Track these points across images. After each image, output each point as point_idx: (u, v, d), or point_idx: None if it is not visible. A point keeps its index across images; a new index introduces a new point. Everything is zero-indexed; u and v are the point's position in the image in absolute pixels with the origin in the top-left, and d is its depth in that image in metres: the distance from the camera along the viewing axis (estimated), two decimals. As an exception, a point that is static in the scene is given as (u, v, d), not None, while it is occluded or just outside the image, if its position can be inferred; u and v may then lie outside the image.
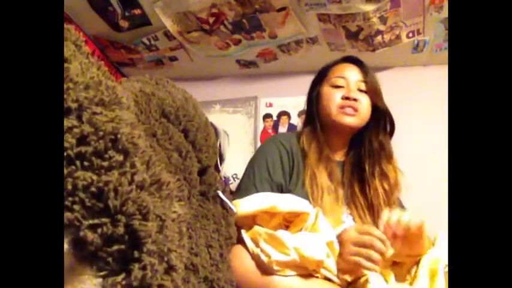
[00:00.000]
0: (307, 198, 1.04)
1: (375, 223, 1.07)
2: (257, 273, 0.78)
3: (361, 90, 1.15)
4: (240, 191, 1.06)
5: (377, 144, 1.14)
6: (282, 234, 0.79)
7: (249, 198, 0.92)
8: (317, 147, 1.12)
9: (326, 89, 1.17)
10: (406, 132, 2.07)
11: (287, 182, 1.08)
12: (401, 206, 1.22)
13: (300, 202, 0.89)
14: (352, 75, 1.16)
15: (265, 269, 0.77)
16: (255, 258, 0.79)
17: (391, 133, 1.18)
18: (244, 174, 1.12)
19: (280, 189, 1.07)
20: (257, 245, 0.79)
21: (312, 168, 1.08)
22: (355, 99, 1.11)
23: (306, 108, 1.26)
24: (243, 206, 0.88)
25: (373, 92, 1.14)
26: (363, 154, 1.15)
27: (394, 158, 1.16)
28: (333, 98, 1.14)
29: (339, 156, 1.19)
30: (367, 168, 1.13)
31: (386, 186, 1.11)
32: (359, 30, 1.80)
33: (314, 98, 1.21)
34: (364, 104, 1.13)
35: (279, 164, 1.09)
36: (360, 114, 1.12)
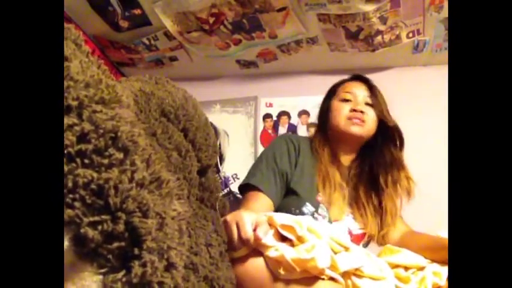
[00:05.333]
0: (309, 193, 1.15)
1: (381, 225, 1.20)
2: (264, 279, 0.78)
3: (368, 105, 1.26)
4: (247, 175, 1.19)
5: (389, 156, 1.25)
6: (280, 246, 0.77)
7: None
8: (329, 151, 1.25)
9: (336, 103, 1.30)
10: (405, 132, 2.08)
11: (292, 170, 1.18)
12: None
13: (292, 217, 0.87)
14: (359, 91, 1.28)
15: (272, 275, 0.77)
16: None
17: (401, 147, 1.29)
18: (253, 163, 1.24)
19: (285, 177, 1.17)
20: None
21: (325, 167, 1.20)
22: (361, 112, 1.23)
23: (317, 120, 1.39)
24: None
25: (378, 106, 1.26)
26: (374, 164, 1.26)
27: (406, 168, 1.27)
28: (341, 110, 1.26)
29: (346, 162, 1.29)
30: (381, 177, 1.23)
31: (399, 193, 1.23)
32: (359, 30, 1.80)
33: (325, 111, 1.33)
34: (370, 116, 1.24)
35: (286, 155, 1.20)
36: (366, 125, 1.23)
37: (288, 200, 1.15)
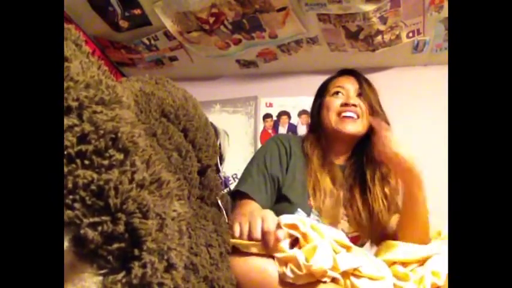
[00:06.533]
0: (301, 199, 1.12)
1: (373, 226, 1.14)
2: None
3: (359, 98, 1.21)
4: (238, 181, 1.17)
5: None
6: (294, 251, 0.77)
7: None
8: (320, 153, 1.19)
9: (327, 99, 1.24)
10: (406, 132, 2.08)
11: (283, 175, 1.14)
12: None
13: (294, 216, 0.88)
14: (349, 85, 1.23)
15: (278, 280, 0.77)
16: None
17: None
18: (245, 167, 1.20)
19: (277, 183, 1.13)
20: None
21: (315, 172, 1.14)
22: (354, 105, 1.18)
23: (310, 119, 1.35)
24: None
25: (367, 97, 1.21)
26: (364, 161, 1.20)
27: None
28: (332, 106, 1.20)
29: (340, 161, 1.24)
30: (368, 173, 1.17)
31: (387, 191, 1.16)
32: (359, 30, 1.80)
33: (316, 108, 1.28)
34: (364, 109, 1.19)
35: (276, 158, 1.16)
36: (360, 120, 1.18)
37: (280, 206, 1.12)
